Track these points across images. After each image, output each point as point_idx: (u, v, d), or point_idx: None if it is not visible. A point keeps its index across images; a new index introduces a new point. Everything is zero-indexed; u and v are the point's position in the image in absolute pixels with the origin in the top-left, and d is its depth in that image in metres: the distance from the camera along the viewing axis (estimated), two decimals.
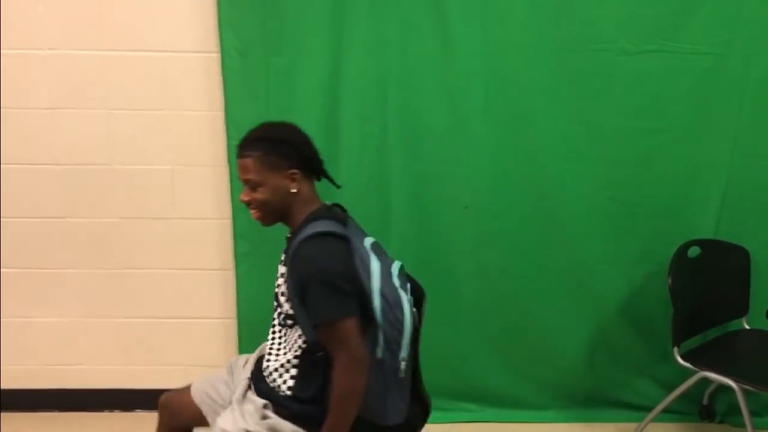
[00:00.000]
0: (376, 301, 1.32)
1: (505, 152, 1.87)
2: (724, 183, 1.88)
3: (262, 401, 1.40)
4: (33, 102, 1.89)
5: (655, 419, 1.86)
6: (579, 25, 1.80)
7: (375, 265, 1.34)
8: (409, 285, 1.42)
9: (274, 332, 1.39)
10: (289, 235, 1.36)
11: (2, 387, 2.08)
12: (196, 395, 1.51)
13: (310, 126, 1.91)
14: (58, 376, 2.08)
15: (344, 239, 1.34)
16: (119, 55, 1.87)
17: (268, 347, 1.40)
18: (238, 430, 1.37)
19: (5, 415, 2.07)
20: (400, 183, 1.89)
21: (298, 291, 1.27)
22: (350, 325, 1.29)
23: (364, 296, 1.32)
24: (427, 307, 1.48)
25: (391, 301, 1.33)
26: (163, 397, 1.51)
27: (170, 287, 2.02)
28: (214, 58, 1.84)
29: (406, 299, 1.36)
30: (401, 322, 1.34)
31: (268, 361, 1.44)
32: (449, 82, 1.81)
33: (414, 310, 1.37)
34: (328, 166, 1.85)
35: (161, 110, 1.89)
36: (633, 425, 1.93)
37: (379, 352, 1.33)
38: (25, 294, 2.02)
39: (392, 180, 1.89)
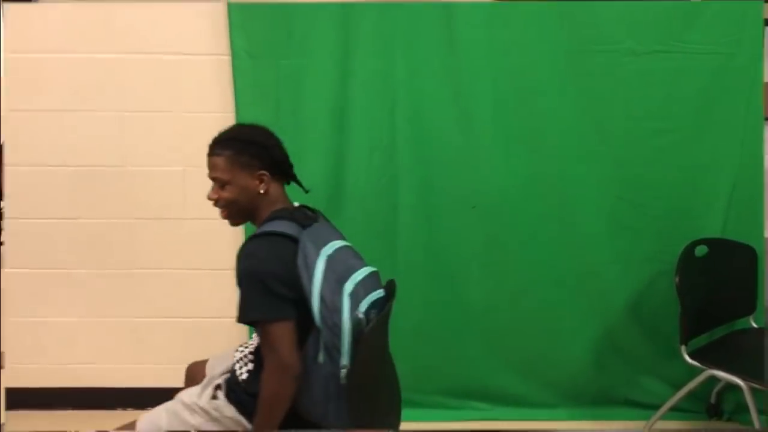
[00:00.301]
0: (315, 304, 1.31)
1: (512, 153, 1.89)
2: (731, 183, 1.90)
3: (217, 382, 1.47)
4: (45, 104, 1.91)
5: (663, 417, 1.87)
6: (585, 27, 1.81)
7: (319, 268, 1.33)
8: (380, 292, 1.41)
9: None
10: None
11: (18, 385, 2.11)
12: (208, 367, 1.60)
13: (319, 127, 1.94)
14: (71, 374, 2.11)
15: (290, 239, 1.32)
16: (131, 58, 1.89)
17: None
18: (191, 403, 1.46)
19: (21, 413, 2.10)
20: (408, 184, 1.91)
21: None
22: (280, 329, 1.30)
23: (305, 299, 1.31)
24: (385, 316, 1.44)
25: (329, 305, 1.32)
26: (188, 366, 1.64)
27: (183, 287, 2.05)
28: (225, 61, 1.87)
29: (347, 305, 1.34)
30: (339, 328, 1.32)
31: (237, 351, 1.51)
32: (456, 84, 1.83)
33: (366, 316, 1.37)
34: (337, 167, 1.88)
35: (172, 112, 1.92)
36: (641, 423, 1.94)
37: (321, 357, 1.33)
38: (39, 294, 2.05)
39: (400, 181, 1.91)
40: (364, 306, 1.36)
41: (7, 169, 1.94)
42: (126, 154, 1.93)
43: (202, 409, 1.43)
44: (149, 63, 1.87)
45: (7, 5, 1.83)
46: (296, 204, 1.45)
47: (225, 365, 1.50)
